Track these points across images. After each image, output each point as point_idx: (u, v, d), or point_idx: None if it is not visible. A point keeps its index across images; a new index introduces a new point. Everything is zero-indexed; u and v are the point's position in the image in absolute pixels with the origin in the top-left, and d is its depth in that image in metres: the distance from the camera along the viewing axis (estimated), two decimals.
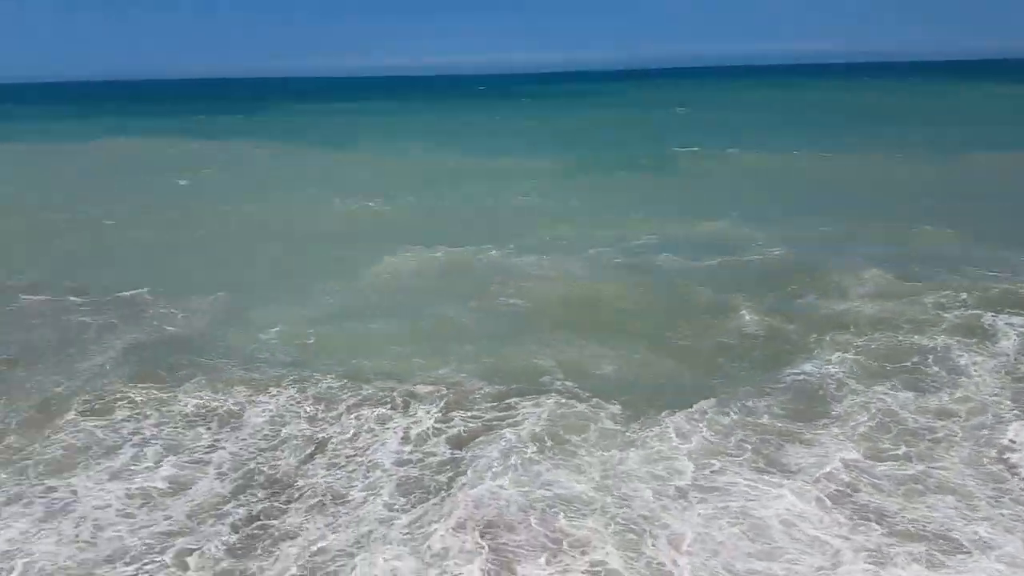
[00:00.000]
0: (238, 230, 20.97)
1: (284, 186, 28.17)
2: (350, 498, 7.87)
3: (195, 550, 7.08)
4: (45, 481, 8.25)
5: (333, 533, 7.27)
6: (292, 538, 7.23)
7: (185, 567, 6.88)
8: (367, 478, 8.23)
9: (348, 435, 9.13)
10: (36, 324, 13.38)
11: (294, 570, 6.76)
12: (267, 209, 23.56)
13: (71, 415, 9.67)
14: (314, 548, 7.06)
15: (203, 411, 9.77)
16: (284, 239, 19.78)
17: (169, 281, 15.49)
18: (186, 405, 9.89)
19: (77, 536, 7.29)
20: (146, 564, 6.91)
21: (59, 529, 7.39)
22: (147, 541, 7.21)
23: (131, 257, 18.03)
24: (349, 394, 10.17)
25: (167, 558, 6.98)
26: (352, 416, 9.57)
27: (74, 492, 8.02)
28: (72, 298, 14.75)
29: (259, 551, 7.03)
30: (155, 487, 8.14)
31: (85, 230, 21.17)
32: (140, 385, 10.39)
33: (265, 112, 78.66)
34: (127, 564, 6.91)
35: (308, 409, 9.78)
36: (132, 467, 8.52)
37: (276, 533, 7.33)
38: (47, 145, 45.80)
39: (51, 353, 11.97)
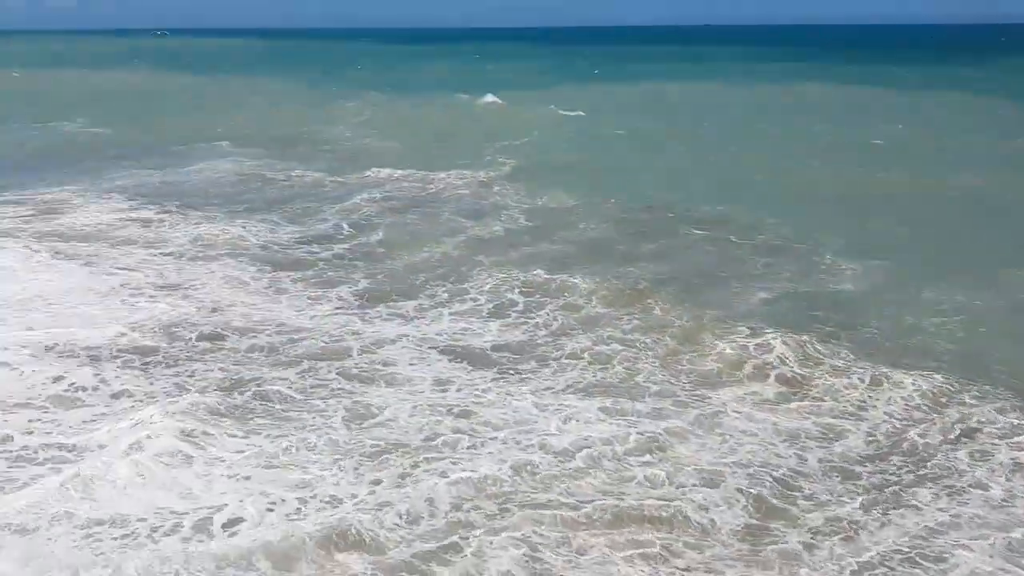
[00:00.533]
0: (931, 197, 20.84)
1: (992, 152, 26.49)
2: (988, 494, 7.88)
3: (811, 496, 7.90)
4: (698, 389, 10.19)
5: (953, 524, 7.39)
6: (910, 513, 7.61)
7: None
8: (1011, 480, 8.12)
9: (1004, 432, 9.00)
10: (700, 254, 16.06)
11: (903, 541, 7.16)
12: (972, 179, 22.55)
13: (724, 337, 11.49)
14: (926, 532, 7.28)
15: (850, 369, 10.59)
16: (981, 214, 19.11)
17: (844, 237, 16.52)
18: (835, 359, 10.86)
19: (720, 447, 8.74)
20: (740, 490, 7.90)
21: (704, 440, 8.89)
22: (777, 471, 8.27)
23: (811, 207, 19.61)
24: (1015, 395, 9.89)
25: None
26: (1014, 416, 9.32)
27: (724, 404, 9.75)
28: (732, 238, 16.91)
29: (876, 514, 7.60)
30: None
31: (782, 176, 23.64)
32: (789, 331, 11.53)
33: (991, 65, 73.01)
34: (736, 478, 8.06)
35: (969, 400, 9.80)
36: (767, 402, 9.84)
37: (897, 502, 7.80)
38: (748, 86, 51.15)
39: (708, 283, 14.27)
